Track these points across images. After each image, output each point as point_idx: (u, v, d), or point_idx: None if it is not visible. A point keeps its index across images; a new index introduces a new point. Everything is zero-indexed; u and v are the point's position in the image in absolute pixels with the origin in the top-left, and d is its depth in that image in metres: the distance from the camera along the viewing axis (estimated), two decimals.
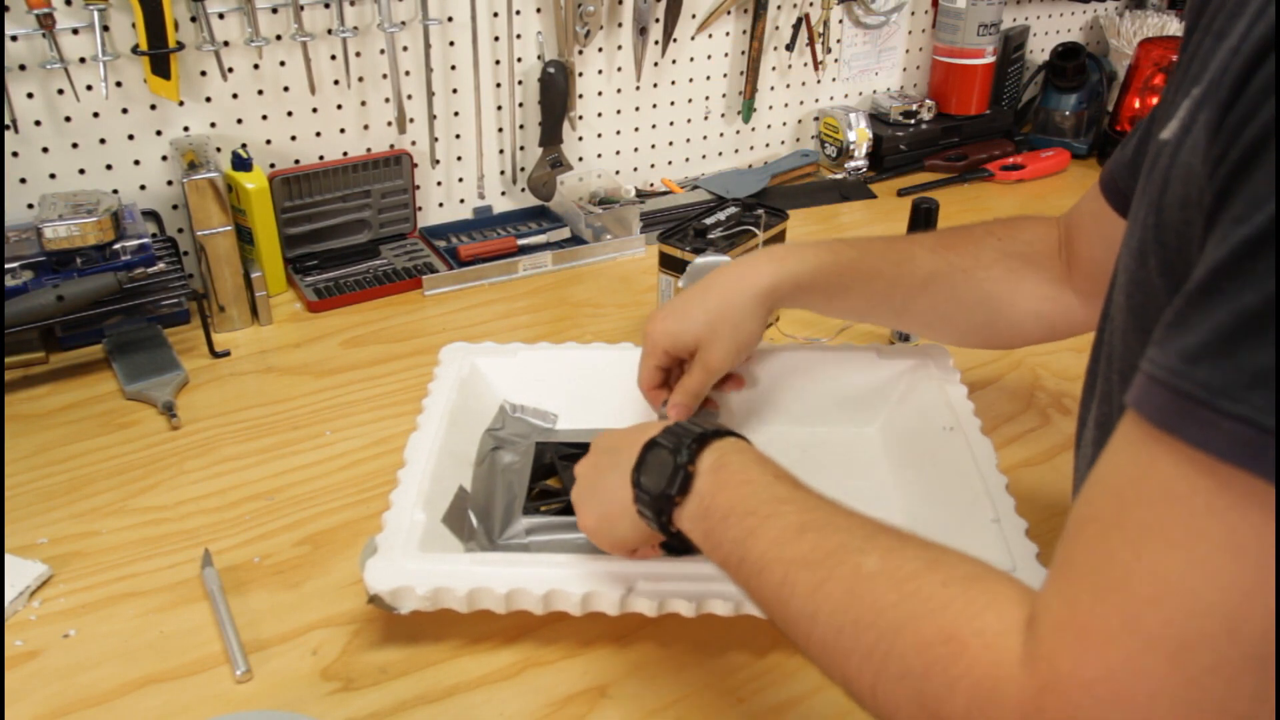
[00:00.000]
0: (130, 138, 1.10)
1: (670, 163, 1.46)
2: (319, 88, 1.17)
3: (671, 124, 1.43)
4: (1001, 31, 1.56)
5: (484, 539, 0.77)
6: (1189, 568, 0.37)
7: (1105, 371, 0.59)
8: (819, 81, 1.52)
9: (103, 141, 1.09)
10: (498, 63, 1.26)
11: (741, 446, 0.61)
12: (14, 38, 1.01)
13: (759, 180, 1.45)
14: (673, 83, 1.40)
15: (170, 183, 1.14)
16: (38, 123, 1.05)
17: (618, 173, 1.40)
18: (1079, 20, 1.74)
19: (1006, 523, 0.72)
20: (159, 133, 1.11)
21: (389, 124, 1.23)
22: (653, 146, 1.43)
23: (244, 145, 1.12)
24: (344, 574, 0.77)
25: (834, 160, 1.51)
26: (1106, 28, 1.69)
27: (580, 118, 1.35)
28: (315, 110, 1.18)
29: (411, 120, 1.24)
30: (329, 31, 1.14)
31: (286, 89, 1.16)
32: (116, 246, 1.01)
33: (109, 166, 1.10)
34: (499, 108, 1.29)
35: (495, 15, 1.23)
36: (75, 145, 1.08)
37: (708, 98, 1.44)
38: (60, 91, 1.05)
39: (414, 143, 1.25)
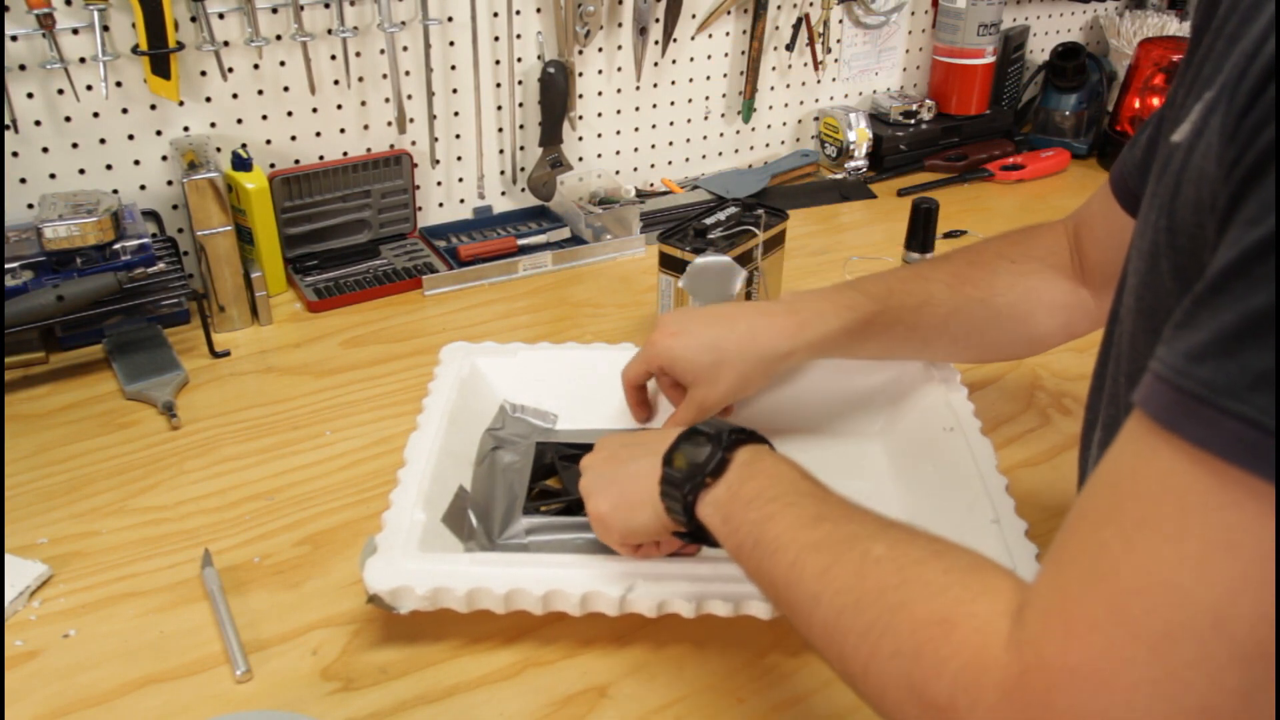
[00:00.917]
0: (130, 138, 1.10)
1: (670, 163, 1.46)
2: (319, 88, 1.17)
3: (671, 124, 1.43)
4: (1001, 31, 1.56)
5: (484, 539, 0.77)
6: (1180, 561, 0.38)
7: (1114, 373, 0.59)
8: (819, 81, 1.52)
9: (103, 141, 1.09)
10: (498, 63, 1.26)
11: (775, 452, 0.64)
12: (14, 38, 1.01)
13: (759, 180, 1.45)
14: (673, 83, 1.40)
15: (170, 183, 1.14)
16: (38, 123, 1.05)
17: (618, 173, 1.40)
18: (1079, 20, 1.74)
19: (1006, 524, 0.72)
20: (159, 133, 1.11)
21: (389, 124, 1.23)
22: (653, 146, 1.43)
23: (244, 145, 1.12)
24: (344, 574, 0.77)
25: (834, 160, 1.51)
26: (1106, 28, 1.69)
27: (580, 118, 1.35)
28: (315, 110, 1.18)
29: (411, 120, 1.24)
30: (329, 31, 1.14)
31: (286, 89, 1.16)
32: (116, 246, 1.01)
33: (109, 166, 1.10)
34: (499, 108, 1.29)
35: (495, 15, 1.23)
36: (75, 145, 1.08)
37: (708, 98, 1.44)
38: (60, 91, 1.05)
39: (414, 143, 1.25)
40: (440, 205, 1.31)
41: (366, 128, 1.22)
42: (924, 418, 0.86)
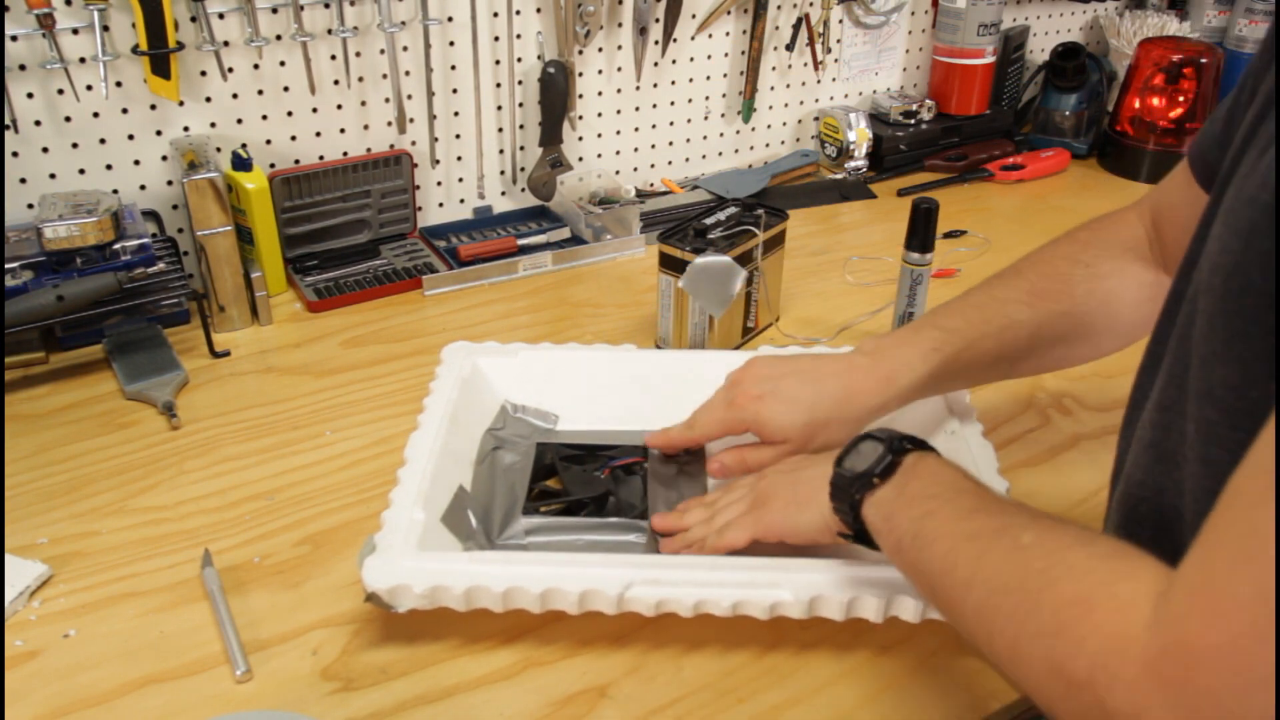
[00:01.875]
0: (130, 138, 1.10)
1: (670, 163, 1.46)
2: (319, 88, 1.17)
3: (671, 124, 1.43)
4: (1001, 31, 1.56)
5: (483, 539, 0.77)
6: None
7: (1177, 353, 0.57)
8: (819, 81, 1.52)
9: (103, 141, 1.09)
10: (498, 63, 1.26)
11: (940, 456, 0.65)
12: (14, 38, 1.01)
13: (759, 180, 1.45)
14: (673, 83, 1.40)
15: (170, 183, 1.14)
16: (38, 123, 1.05)
17: (618, 173, 1.40)
18: (1079, 20, 1.74)
19: None
20: (159, 133, 1.11)
21: (389, 124, 1.23)
22: (653, 146, 1.43)
23: (244, 145, 1.12)
24: (344, 574, 0.77)
25: (834, 160, 1.51)
26: (1106, 28, 1.69)
27: (580, 118, 1.35)
28: (315, 110, 1.18)
29: (411, 120, 1.24)
30: (329, 31, 1.14)
31: (286, 89, 1.16)
32: (116, 246, 1.01)
33: (109, 166, 1.10)
34: (499, 108, 1.29)
35: (495, 15, 1.23)
36: (75, 145, 1.08)
37: (708, 98, 1.44)
38: (60, 91, 1.05)
39: (414, 143, 1.25)
40: (440, 205, 1.31)
41: (366, 128, 1.22)
42: (927, 420, 0.85)
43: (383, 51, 1.18)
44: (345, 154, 1.22)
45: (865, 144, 1.49)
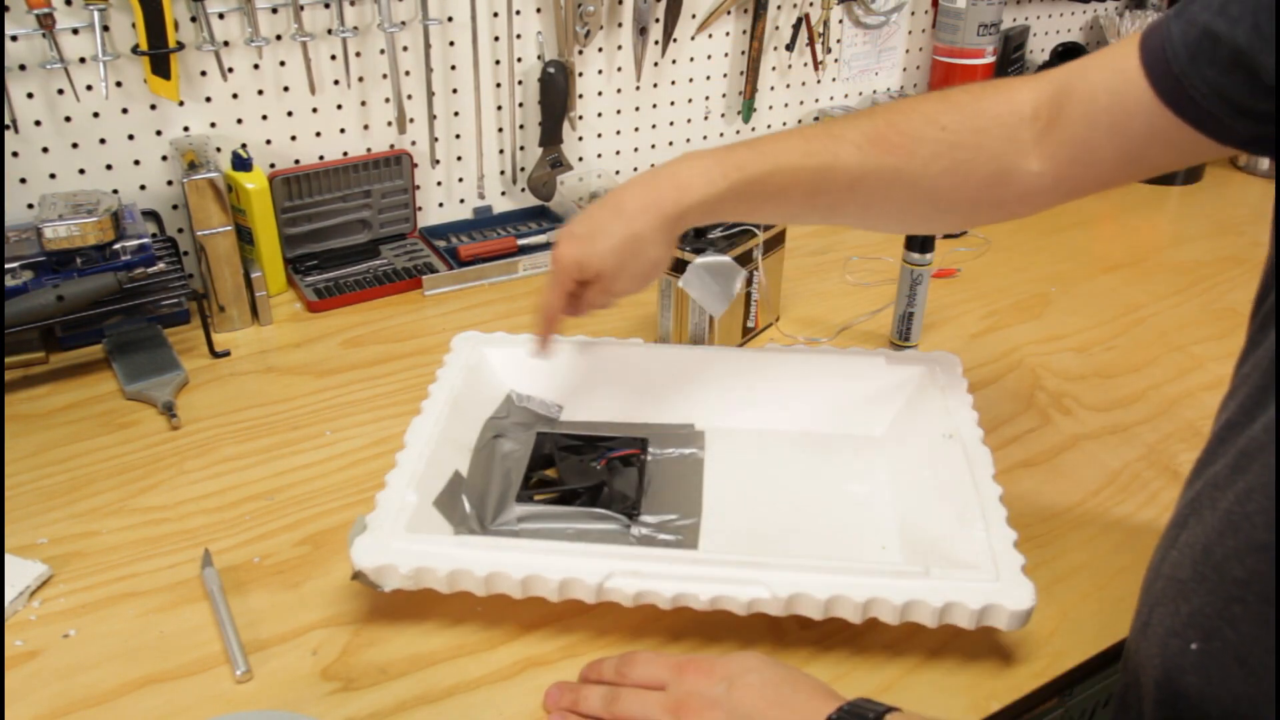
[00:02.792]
0: (130, 138, 1.10)
1: None
2: (319, 88, 1.17)
3: (671, 124, 1.43)
4: (1001, 31, 1.56)
5: (475, 524, 0.78)
6: None
7: None
8: (819, 81, 1.53)
9: (103, 141, 1.09)
10: (498, 63, 1.26)
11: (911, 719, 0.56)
12: (14, 38, 1.01)
13: None
14: (673, 83, 1.40)
15: (170, 183, 1.14)
16: (38, 123, 1.05)
17: (618, 173, 1.40)
18: (1079, 20, 1.74)
19: (995, 534, 0.72)
20: (159, 133, 1.11)
21: (389, 124, 1.23)
22: (653, 146, 1.43)
23: (244, 145, 1.12)
24: (344, 574, 0.77)
25: None
26: (1106, 28, 1.69)
27: (580, 118, 1.35)
28: (315, 110, 1.18)
29: (411, 120, 1.24)
30: (329, 31, 1.14)
31: (286, 89, 1.16)
32: (116, 246, 1.01)
33: (109, 166, 1.10)
34: (499, 108, 1.29)
35: (495, 15, 1.23)
36: (75, 145, 1.08)
37: (708, 98, 1.44)
38: (60, 91, 1.05)
39: (414, 143, 1.25)
40: (440, 205, 1.31)
41: (366, 128, 1.22)
42: (925, 424, 0.86)
43: (383, 51, 1.18)
44: (345, 154, 1.22)
45: None
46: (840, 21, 1.50)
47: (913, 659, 0.70)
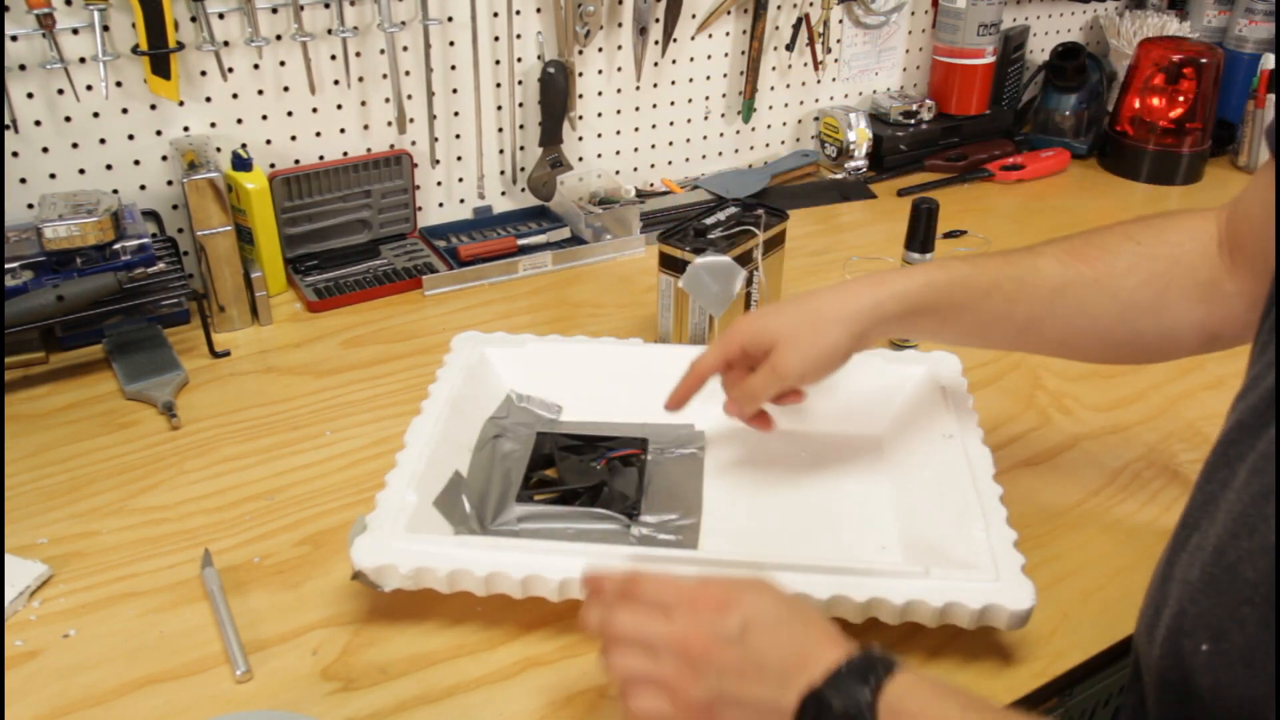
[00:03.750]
0: (130, 138, 1.10)
1: (670, 163, 1.46)
2: (319, 88, 1.17)
3: (671, 124, 1.43)
4: (1001, 31, 1.56)
5: (475, 524, 0.78)
6: None
7: None
8: (819, 81, 1.52)
9: (103, 141, 1.09)
10: (498, 63, 1.26)
11: (913, 681, 0.53)
12: (14, 38, 1.01)
13: (759, 180, 1.45)
14: (673, 83, 1.40)
15: (170, 183, 1.14)
16: (38, 123, 1.05)
17: (618, 173, 1.40)
18: (1079, 20, 1.74)
19: (995, 534, 0.72)
20: (159, 133, 1.11)
21: (389, 124, 1.23)
22: (653, 146, 1.43)
23: (244, 145, 1.12)
24: (344, 574, 0.77)
25: (834, 160, 1.51)
26: (1106, 28, 1.69)
27: (580, 118, 1.35)
28: (315, 110, 1.18)
29: (411, 120, 1.24)
30: (329, 31, 1.14)
31: (286, 89, 1.16)
32: (116, 246, 1.01)
33: (109, 166, 1.10)
34: (499, 108, 1.29)
35: (495, 15, 1.23)
36: (75, 145, 1.08)
37: (708, 98, 1.44)
38: (60, 91, 1.05)
39: (414, 143, 1.25)
40: (440, 205, 1.31)
41: (366, 128, 1.22)
42: (926, 423, 0.86)
43: (383, 51, 1.18)
44: (345, 154, 1.22)
45: (865, 144, 1.49)
46: (840, 21, 1.50)
47: (913, 659, 0.70)
